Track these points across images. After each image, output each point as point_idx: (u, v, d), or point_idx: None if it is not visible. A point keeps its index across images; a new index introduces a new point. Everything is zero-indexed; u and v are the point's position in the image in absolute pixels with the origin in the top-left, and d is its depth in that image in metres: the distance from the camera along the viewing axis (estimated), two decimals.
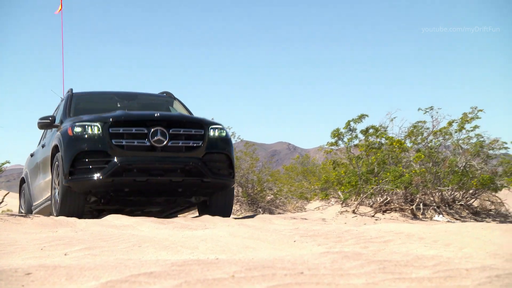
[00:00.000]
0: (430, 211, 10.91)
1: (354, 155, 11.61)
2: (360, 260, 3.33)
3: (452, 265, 3.13)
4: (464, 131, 11.72)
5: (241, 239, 5.41)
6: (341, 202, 11.48)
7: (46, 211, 10.30)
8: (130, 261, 3.54)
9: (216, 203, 9.35)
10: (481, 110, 11.63)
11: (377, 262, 3.22)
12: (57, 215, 8.78)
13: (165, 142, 8.68)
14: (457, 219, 10.70)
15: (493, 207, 11.51)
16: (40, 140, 12.08)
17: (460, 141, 11.77)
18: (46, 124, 9.84)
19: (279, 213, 15.89)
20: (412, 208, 10.79)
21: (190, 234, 5.92)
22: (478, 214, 11.21)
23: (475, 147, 11.53)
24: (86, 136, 8.66)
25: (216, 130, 9.12)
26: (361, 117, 11.51)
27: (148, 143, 8.63)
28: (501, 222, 10.56)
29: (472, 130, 11.69)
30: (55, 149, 9.20)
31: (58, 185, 8.88)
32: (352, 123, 11.52)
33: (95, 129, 8.68)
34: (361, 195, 11.04)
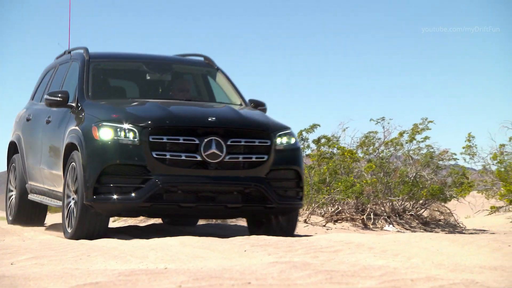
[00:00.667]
0: (381, 221, 11.01)
1: (306, 164, 11.67)
2: (308, 270, 3.34)
3: (398, 275, 3.17)
4: (414, 141, 11.89)
5: (191, 248, 5.39)
6: None
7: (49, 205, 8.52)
8: (77, 270, 3.50)
9: (277, 221, 7.51)
10: (431, 121, 11.82)
11: (324, 272, 3.25)
12: (72, 235, 6.99)
13: (221, 157, 6.82)
14: (407, 229, 10.82)
15: (442, 217, 11.66)
16: (36, 90, 9.67)
17: (411, 152, 11.93)
18: (57, 102, 7.70)
19: (232, 222, 15.87)
20: (363, 218, 10.89)
21: (141, 243, 5.88)
22: (427, 224, 11.35)
23: (425, 157, 11.69)
24: (118, 143, 6.78)
25: (285, 137, 7.27)
26: (313, 127, 11.60)
27: (199, 158, 6.78)
28: (450, 232, 10.71)
29: (422, 141, 11.86)
30: (71, 147, 7.24)
31: (75, 193, 7.07)
32: (304, 133, 11.61)
33: (130, 135, 6.78)
34: (313, 205, 11.09)
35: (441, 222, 11.63)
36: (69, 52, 8.91)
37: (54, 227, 8.89)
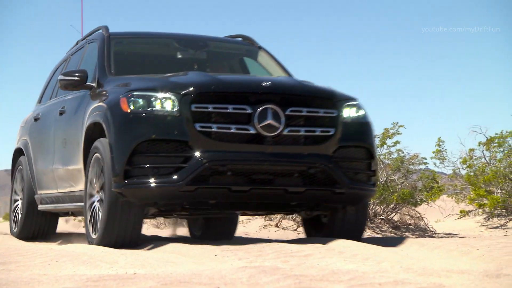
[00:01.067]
0: None
1: None
2: (277, 274, 3.35)
3: (366, 280, 3.19)
4: (385, 146, 11.97)
5: (162, 253, 5.37)
6: (264, 216, 11.54)
7: (65, 209, 7.29)
8: (45, 276, 3.48)
9: (342, 221, 6.30)
10: (402, 126, 11.90)
11: (293, 277, 3.25)
12: (98, 240, 5.86)
13: (279, 130, 5.62)
14: (378, 233, 10.88)
15: (412, 221, 11.75)
16: (44, 91, 8.55)
17: (382, 156, 12.00)
18: (74, 83, 6.53)
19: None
20: None
21: (111, 248, 5.85)
22: (398, 228, 11.42)
23: (396, 162, 11.76)
24: (152, 115, 5.56)
25: (354, 108, 6.09)
26: None
27: (252, 131, 5.58)
28: (420, 236, 10.79)
29: (393, 146, 11.94)
30: (94, 129, 6.09)
31: (100, 191, 5.94)
32: None
33: (167, 104, 5.59)
34: None
35: (411, 226, 11.72)
36: (84, 39, 7.90)
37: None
